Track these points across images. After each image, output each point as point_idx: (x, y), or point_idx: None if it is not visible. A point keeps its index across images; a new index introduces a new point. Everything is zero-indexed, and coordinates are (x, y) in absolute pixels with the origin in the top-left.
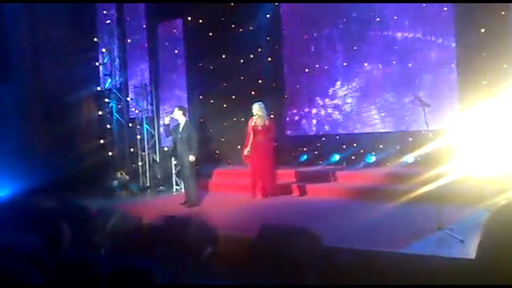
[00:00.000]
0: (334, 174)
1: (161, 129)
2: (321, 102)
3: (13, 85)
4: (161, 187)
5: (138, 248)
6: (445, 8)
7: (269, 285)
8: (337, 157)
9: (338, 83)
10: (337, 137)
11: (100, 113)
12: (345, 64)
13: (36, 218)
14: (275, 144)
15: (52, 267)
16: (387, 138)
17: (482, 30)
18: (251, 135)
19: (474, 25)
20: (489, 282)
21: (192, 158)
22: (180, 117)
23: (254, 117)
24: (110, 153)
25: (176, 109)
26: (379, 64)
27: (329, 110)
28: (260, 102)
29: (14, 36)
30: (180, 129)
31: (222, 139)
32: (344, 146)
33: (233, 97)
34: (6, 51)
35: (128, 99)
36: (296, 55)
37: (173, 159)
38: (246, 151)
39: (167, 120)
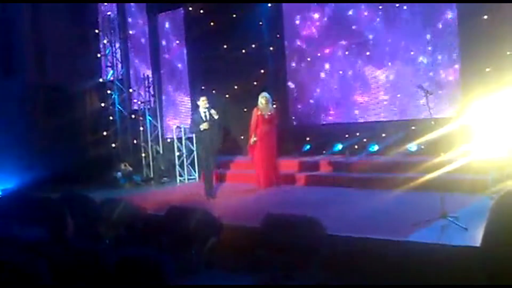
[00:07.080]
0: (337, 163)
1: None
2: (323, 92)
3: (17, 79)
4: (164, 178)
5: (142, 238)
6: None
7: (269, 285)
8: (340, 146)
9: (341, 72)
10: (340, 126)
11: (102, 104)
12: (347, 53)
13: (41, 210)
14: (278, 133)
15: (58, 258)
16: (390, 127)
17: (485, 17)
18: (256, 125)
19: (477, 11)
20: (495, 269)
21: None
22: (206, 107)
23: (259, 107)
24: (113, 145)
25: (204, 99)
26: (382, 52)
27: (332, 100)
28: (266, 92)
29: (17, 30)
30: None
31: (225, 130)
32: (347, 136)
33: (236, 87)
34: (9, 46)
35: (131, 90)
36: (298, 44)
37: (176, 150)
38: (252, 140)
39: (202, 114)
